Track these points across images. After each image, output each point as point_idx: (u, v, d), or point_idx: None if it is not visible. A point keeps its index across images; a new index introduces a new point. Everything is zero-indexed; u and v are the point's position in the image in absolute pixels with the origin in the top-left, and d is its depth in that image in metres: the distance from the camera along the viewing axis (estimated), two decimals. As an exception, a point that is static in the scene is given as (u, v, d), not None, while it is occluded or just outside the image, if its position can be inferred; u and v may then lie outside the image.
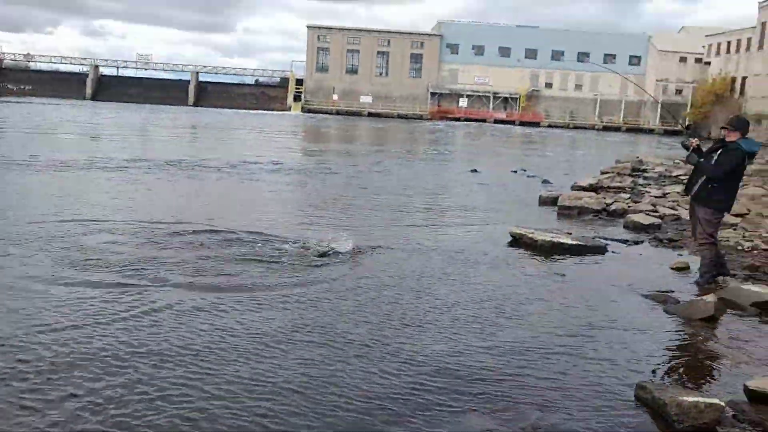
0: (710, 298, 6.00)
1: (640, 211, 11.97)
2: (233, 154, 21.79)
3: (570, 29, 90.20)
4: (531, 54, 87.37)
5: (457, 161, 24.22)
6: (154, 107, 72.79)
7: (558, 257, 8.46)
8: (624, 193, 15.17)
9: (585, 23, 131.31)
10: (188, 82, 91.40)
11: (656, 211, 12.06)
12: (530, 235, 8.95)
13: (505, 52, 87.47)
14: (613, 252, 8.88)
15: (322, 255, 7.69)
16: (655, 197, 14.65)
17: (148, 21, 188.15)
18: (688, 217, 11.37)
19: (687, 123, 76.20)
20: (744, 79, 69.29)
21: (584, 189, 15.75)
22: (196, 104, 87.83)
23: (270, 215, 10.73)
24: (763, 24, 64.26)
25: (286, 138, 34.19)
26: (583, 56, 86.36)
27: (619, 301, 6.56)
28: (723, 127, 6.96)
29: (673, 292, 6.82)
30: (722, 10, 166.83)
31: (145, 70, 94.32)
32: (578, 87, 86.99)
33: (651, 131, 78.63)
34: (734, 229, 10.38)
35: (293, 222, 10.25)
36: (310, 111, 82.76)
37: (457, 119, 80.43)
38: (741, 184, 7.29)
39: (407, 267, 7.54)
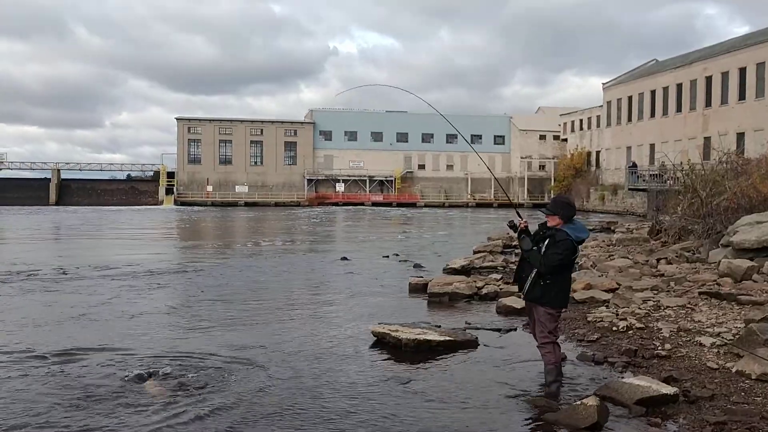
0: (591, 401, 5.21)
1: (512, 293, 11.39)
2: (83, 258, 19.75)
3: (436, 113, 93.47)
4: (402, 137, 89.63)
5: (328, 249, 23.25)
6: (9, 209, 67.65)
7: (425, 357, 7.54)
8: (496, 272, 14.73)
9: (451, 108, 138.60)
10: (49, 180, 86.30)
11: (528, 292, 11.53)
12: (394, 334, 8.01)
13: (377, 136, 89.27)
14: (485, 345, 8.08)
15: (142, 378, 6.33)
16: (527, 275, 14.29)
17: (5, 119, 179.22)
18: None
19: (552, 197, 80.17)
20: (598, 153, 73.98)
21: (456, 271, 15.20)
22: (58, 203, 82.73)
23: (104, 329, 9.20)
24: (609, 103, 69.34)
25: (150, 236, 32.08)
26: (451, 138, 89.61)
27: (493, 411, 5.66)
28: (542, 210, 6.19)
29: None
30: (570, 91, 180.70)
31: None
32: (449, 167, 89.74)
33: (521, 205, 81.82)
34: (606, 307, 9.94)
35: (133, 332, 8.78)
36: (183, 204, 79.95)
37: (336, 204, 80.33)
38: (577, 267, 6.69)
39: (244, 388, 6.33)
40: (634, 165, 50.25)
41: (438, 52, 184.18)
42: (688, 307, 9.40)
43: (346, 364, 7.28)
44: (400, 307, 11.11)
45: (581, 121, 79.71)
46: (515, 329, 8.96)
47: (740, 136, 47.89)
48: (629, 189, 49.95)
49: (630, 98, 65.02)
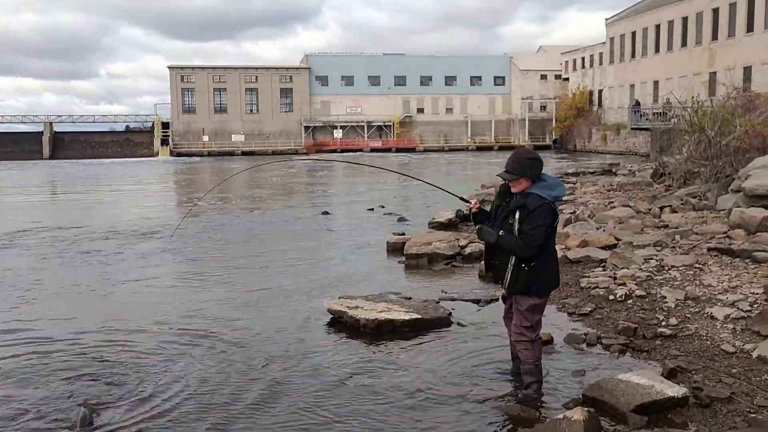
0: (577, 414, 4.05)
1: (499, 252, 10.23)
2: (73, 219, 18.63)
3: (436, 55, 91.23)
4: (400, 81, 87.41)
5: (312, 203, 21.99)
6: (2, 163, 66.46)
7: (385, 342, 6.40)
8: (485, 226, 13.51)
9: (449, 49, 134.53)
10: (41, 133, 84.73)
11: (517, 250, 10.34)
12: (352, 312, 6.85)
13: (374, 80, 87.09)
14: (459, 324, 6.91)
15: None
16: (519, 228, 13.09)
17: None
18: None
19: (554, 138, 78.51)
20: (600, 91, 71.91)
21: (442, 225, 14.02)
22: (52, 157, 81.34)
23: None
24: (612, 39, 66.95)
25: (141, 190, 30.88)
26: (450, 80, 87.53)
27: (452, 422, 4.52)
28: (501, 175, 4.74)
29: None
30: (573, 28, 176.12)
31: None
32: (449, 110, 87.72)
33: (522, 147, 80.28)
34: (603, 268, 8.75)
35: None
36: (179, 155, 78.58)
37: (334, 151, 78.77)
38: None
39: (178, 376, 5.23)
40: (637, 103, 48.44)
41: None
42: (695, 267, 8.21)
43: (291, 353, 6.15)
44: (373, 271, 9.96)
45: (583, 59, 77.38)
46: (497, 299, 7.79)
47: (748, 70, 46.02)
48: (632, 128, 48.26)
49: (633, 34, 62.68)
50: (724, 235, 9.76)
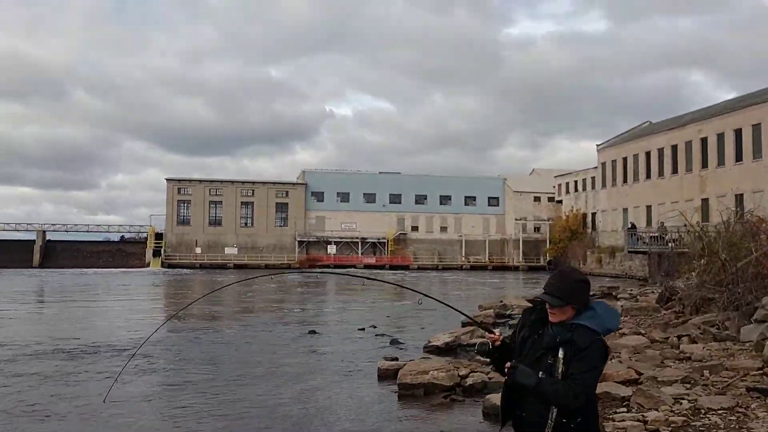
0: None
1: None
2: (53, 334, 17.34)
3: (431, 174, 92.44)
4: (395, 199, 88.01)
5: (299, 319, 20.72)
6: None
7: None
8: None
9: (443, 170, 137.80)
10: (34, 242, 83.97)
11: (525, 383, 9.15)
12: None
13: (370, 198, 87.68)
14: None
15: None
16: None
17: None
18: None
19: (548, 259, 78.07)
20: (593, 214, 72.21)
21: (439, 350, 12.83)
22: (41, 266, 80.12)
23: None
24: (603, 164, 67.96)
25: (120, 304, 29.60)
26: (445, 199, 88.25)
27: None
28: (544, 298, 3.60)
29: None
30: (562, 154, 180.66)
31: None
32: (443, 229, 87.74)
33: (516, 268, 79.50)
34: (627, 408, 7.56)
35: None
36: (171, 266, 77.50)
37: (327, 266, 77.83)
38: None
39: None
40: (633, 226, 48.18)
41: (432, 116, 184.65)
42: (738, 412, 7.04)
43: None
44: (362, 404, 8.71)
45: (576, 182, 78.39)
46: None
47: (739, 198, 46.11)
48: (629, 251, 47.72)
49: (625, 159, 63.75)
50: (760, 372, 8.64)
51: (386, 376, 10.22)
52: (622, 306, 20.34)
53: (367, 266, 78.25)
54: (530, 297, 27.68)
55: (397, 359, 11.68)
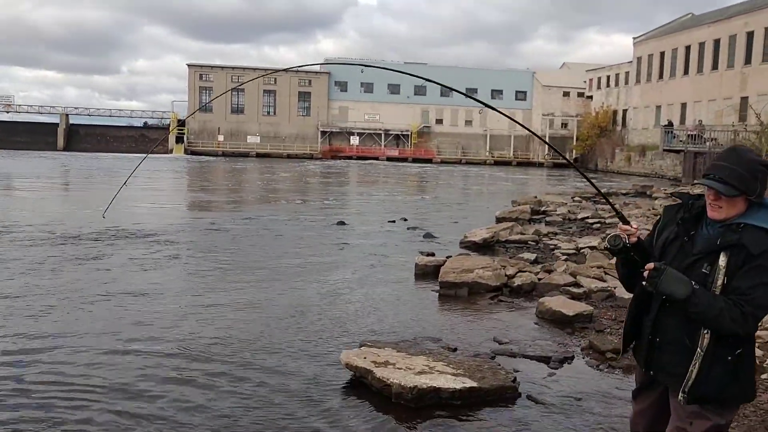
0: None
1: (558, 287, 8.32)
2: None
3: (457, 66, 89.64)
4: (420, 91, 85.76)
5: (327, 210, 20.09)
6: (16, 153, 65.23)
7: (430, 421, 4.49)
8: (528, 251, 11.60)
9: (469, 62, 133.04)
10: (57, 125, 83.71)
11: (579, 285, 8.43)
12: (380, 374, 4.95)
13: (394, 89, 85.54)
14: (529, 398, 4.99)
15: None
16: (569, 255, 11.18)
17: (23, 63, 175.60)
18: (621, 294, 7.83)
19: (575, 156, 76.47)
20: (624, 111, 69.89)
21: (477, 246, 12.13)
22: (66, 149, 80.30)
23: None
24: (639, 59, 64.97)
25: (142, 190, 29.17)
26: (471, 92, 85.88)
27: None
28: (710, 184, 2.68)
29: None
30: (595, 47, 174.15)
31: (7, 113, 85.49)
32: (468, 123, 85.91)
33: (541, 164, 78.14)
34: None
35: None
36: (193, 153, 77.45)
37: (349, 158, 77.20)
38: None
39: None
40: (670, 124, 46.42)
41: (460, 5, 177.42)
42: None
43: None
44: (401, 303, 8.05)
45: (608, 77, 75.41)
46: (571, 357, 5.88)
47: (779, 96, 43.89)
48: (664, 150, 46.16)
49: (662, 54, 60.73)
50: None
51: (425, 273, 9.55)
52: (660, 205, 19.43)
53: (390, 158, 77.43)
54: (562, 193, 26.85)
55: (434, 254, 11.00)
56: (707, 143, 39.22)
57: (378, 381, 4.92)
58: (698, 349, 2.69)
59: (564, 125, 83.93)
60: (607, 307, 7.56)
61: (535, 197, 21.36)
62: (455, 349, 5.90)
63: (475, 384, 4.86)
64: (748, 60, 49.20)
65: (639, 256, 2.82)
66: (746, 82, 49.29)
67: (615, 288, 8.16)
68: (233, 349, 6.03)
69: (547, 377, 5.40)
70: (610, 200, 3.33)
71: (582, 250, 11.53)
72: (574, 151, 77.86)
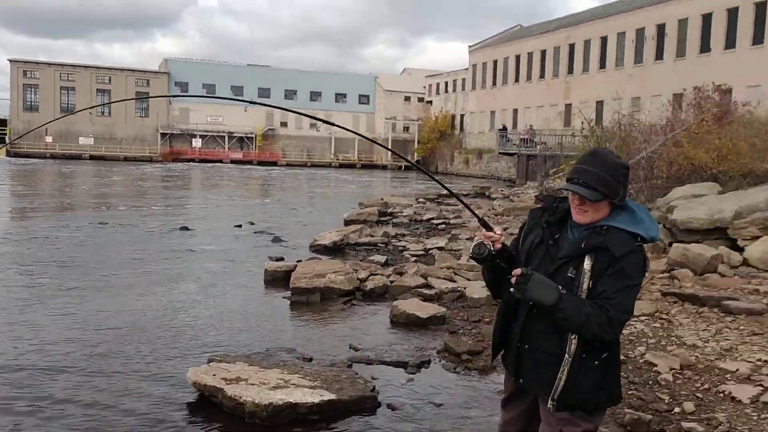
0: None
1: (410, 289, 8.29)
2: None
3: (300, 69, 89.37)
4: (264, 93, 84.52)
5: (169, 214, 19.01)
6: None
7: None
8: (378, 253, 11.57)
9: (311, 66, 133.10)
10: None
11: (430, 286, 8.46)
12: (232, 392, 4.57)
13: (237, 91, 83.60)
14: (389, 407, 4.82)
15: None
16: (418, 257, 11.29)
17: None
18: (471, 294, 7.95)
19: (417, 159, 78.79)
20: (462, 116, 73.05)
21: (327, 249, 11.92)
22: None
23: None
24: (474, 66, 68.14)
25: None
26: (315, 95, 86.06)
27: None
28: (576, 189, 2.59)
29: None
30: (433, 54, 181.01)
31: None
32: (313, 126, 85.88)
33: (385, 167, 79.77)
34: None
35: None
36: (17, 155, 70.90)
37: (192, 160, 74.37)
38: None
39: None
40: (504, 128, 49.09)
41: (301, 8, 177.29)
42: (661, 318, 6.68)
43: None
44: (251, 314, 7.63)
45: (446, 83, 78.60)
46: (428, 361, 5.80)
47: (600, 105, 47.79)
48: (499, 153, 48.69)
49: (495, 62, 64.23)
50: (668, 275, 8.42)
51: (275, 278, 9.18)
52: (503, 206, 20.34)
53: (234, 161, 75.62)
54: (406, 195, 27.38)
55: (283, 259, 10.66)
56: (538, 147, 41.83)
57: (230, 400, 4.53)
58: (566, 355, 2.62)
59: (406, 129, 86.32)
60: (459, 308, 7.63)
61: (382, 199, 21.58)
62: (311, 359, 5.63)
63: (333, 396, 4.61)
64: (570, 70, 53.12)
65: (505, 262, 2.71)
66: (570, 90, 53.19)
67: (465, 288, 8.28)
68: (63, 374, 5.36)
69: (405, 383, 5.27)
70: (467, 202, 3.21)
71: (430, 251, 11.68)
72: (415, 154, 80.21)
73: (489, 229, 2.74)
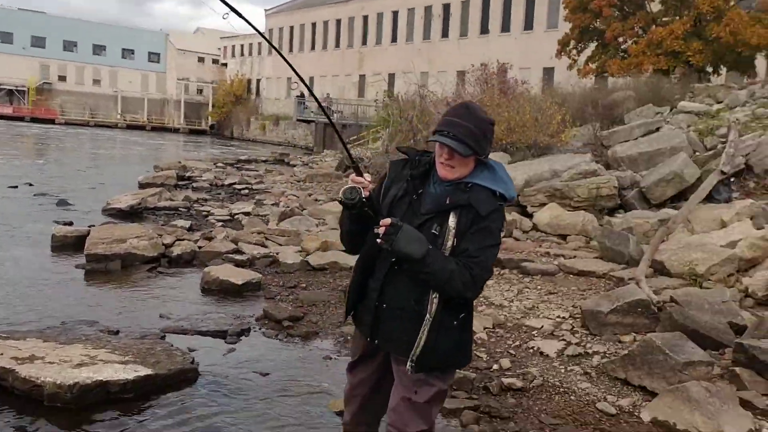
0: None
1: (220, 254, 7.89)
2: None
3: (82, 19, 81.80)
4: (39, 42, 76.24)
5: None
6: None
7: (98, 423, 3.75)
8: (181, 218, 10.91)
9: (96, 19, 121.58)
10: None
11: (241, 252, 8.12)
12: (25, 372, 3.99)
13: (5, 37, 74.52)
14: (212, 378, 4.50)
15: None
16: (224, 222, 10.83)
17: None
18: (284, 260, 7.79)
19: (211, 123, 76.14)
20: (258, 81, 71.72)
21: (123, 214, 11.01)
22: None
23: None
24: (271, 31, 66.94)
25: None
26: (99, 49, 79.39)
27: None
28: (445, 142, 2.48)
29: None
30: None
31: None
32: (96, 82, 79.23)
33: (177, 130, 76.01)
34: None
35: None
36: None
37: (-52, 113, 65.30)
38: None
39: None
40: (302, 95, 48.84)
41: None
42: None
43: None
44: (39, 284, 6.77)
45: (242, 46, 76.52)
46: (248, 329, 5.53)
47: (392, 77, 49.40)
48: (297, 120, 48.50)
49: (292, 29, 63.77)
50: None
51: (65, 245, 8.25)
52: (305, 173, 20.25)
53: (3, 117, 67.55)
54: (204, 159, 26.22)
55: (72, 224, 9.65)
56: (335, 115, 42.27)
57: (24, 382, 3.93)
58: (427, 314, 2.55)
59: (200, 91, 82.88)
60: (273, 274, 7.40)
61: (180, 162, 20.48)
62: (117, 332, 5.11)
63: (149, 371, 4.20)
64: (364, 41, 54.20)
65: (372, 211, 2.57)
66: (363, 62, 54.32)
67: (278, 254, 8.07)
68: None
69: (227, 353, 4.97)
70: (351, 155, 3.01)
71: (236, 216, 11.27)
72: (210, 118, 77.43)
73: (360, 173, 2.57)
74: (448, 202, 2.54)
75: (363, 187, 2.53)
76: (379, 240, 2.46)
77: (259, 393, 4.31)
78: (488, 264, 2.53)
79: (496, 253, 2.59)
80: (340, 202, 2.53)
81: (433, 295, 2.54)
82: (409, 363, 2.59)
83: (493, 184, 2.57)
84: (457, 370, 4.13)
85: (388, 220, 2.45)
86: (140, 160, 25.87)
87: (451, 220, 2.52)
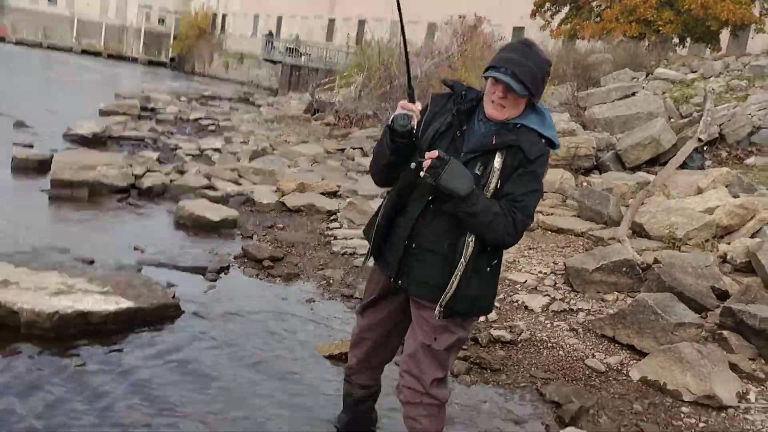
0: None
1: (193, 190, 7.63)
2: None
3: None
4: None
5: None
6: None
7: (78, 356, 3.58)
8: (148, 149, 10.52)
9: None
10: None
11: (215, 188, 7.87)
12: (4, 300, 3.77)
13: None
14: (195, 314, 4.35)
15: None
16: (193, 156, 10.50)
17: None
18: (259, 199, 7.60)
19: (171, 56, 73.77)
20: (224, 16, 69.56)
21: (86, 139, 10.58)
22: None
23: None
24: (241, -36, 64.78)
25: None
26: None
27: None
28: (505, 80, 2.34)
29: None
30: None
31: None
32: (51, 1, 75.74)
33: (135, 60, 73.42)
34: (339, 225, 6.92)
35: None
36: None
37: None
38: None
39: None
40: (271, 34, 47.57)
41: None
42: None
43: None
44: (1, 205, 6.44)
45: (207, -22, 73.76)
46: (227, 267, 5.36)
47: (362, 24, 48.47)
48: (265, 59, 47.28)
49: (265, -37, 61.74)
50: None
51: (27, 168, 7.86)
52: (273, 114, 19.81)
53: (-52, 32, 64.25)
54: (165, 91, 25.32)
55: (33, 147, 9.23)
56: (303, 58, 41.35)
57: (2, 309, 3.72)
58: (461, 258, 2.44)
59: (162, 21, 79.94)
60: (248, 213, 7.20)
61: (143, 92, 19.77)
62: (92, 262, 4.88)
63: (132, 304, 4.02)
64: (335, -15, 52.89)
65: (418, 143, 2.42)
66: (335, 5, 53.05)
67: (252, 192, 7.85)
68: None
69: (208, 291, 4.81)
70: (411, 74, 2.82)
71: (206, 152, 10.94)
72: (171, 50, 74.97)
73: (413, 100, 2.40)
74: (494, 141, 2.41)
75: (410, 117, 2.37)
76: (422, 173, 2.32)
77: (242, 331, 4.19)
78: (531, 210, 2.42)
79: (539, 199, 2.49)
80: (391, 129, 2.36)
81: (470, 239, 2.42)
82: (438, 308, 2.48)
83: (542, 129, 2.45)
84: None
85: (435, 153, 2.30)
86: (97, 87, 24.92)
87: (497, 161, 2.40)
